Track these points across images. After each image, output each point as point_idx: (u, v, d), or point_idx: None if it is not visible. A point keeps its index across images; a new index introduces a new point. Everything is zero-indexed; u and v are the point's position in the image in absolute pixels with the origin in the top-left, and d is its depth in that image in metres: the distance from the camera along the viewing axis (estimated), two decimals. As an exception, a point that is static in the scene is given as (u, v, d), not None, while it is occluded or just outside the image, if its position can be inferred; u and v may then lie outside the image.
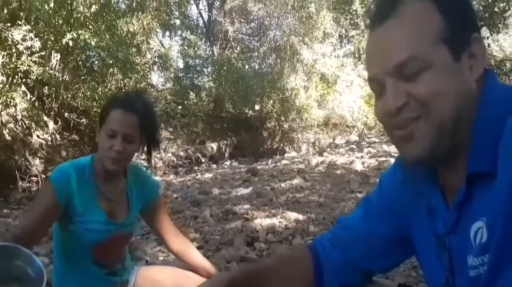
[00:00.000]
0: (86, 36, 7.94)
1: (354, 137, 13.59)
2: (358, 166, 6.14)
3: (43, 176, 7.17)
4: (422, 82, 0.65)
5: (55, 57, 8.54)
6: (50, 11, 7.77)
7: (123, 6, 10.82)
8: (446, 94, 0.65)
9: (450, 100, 0.66)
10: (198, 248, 2.66)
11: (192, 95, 12.75)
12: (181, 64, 14.21)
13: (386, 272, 0.95)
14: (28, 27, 7.16)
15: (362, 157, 7.40)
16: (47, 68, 7.95)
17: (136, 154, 1.54)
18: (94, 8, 8.39)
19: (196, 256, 1.69)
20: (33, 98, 7.89)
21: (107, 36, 9.01)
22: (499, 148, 0.62)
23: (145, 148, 1.55)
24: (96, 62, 10.19)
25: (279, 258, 1.06)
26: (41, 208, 1.33)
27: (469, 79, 0.67)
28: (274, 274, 0.91)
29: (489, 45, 14.02)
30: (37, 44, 7.14)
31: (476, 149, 0.66)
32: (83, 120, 9.10)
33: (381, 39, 0.70)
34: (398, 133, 0.70)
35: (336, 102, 14.98)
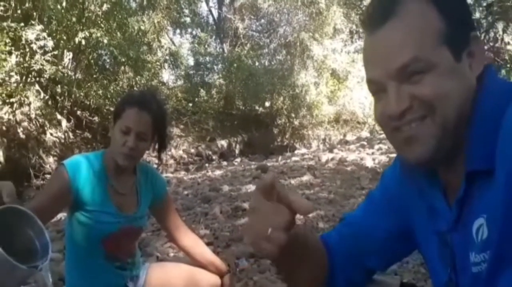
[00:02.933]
0: (98, 35, 8.04)
1: (365, 133, 13.52)
2: (369, 163, 6.10)
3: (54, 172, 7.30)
4: (426, 83, 0.65)
5: (68, 56, 8.66)
6: (63, 11, 7.88)
7: (134, 5, 10.90)
8: (450, 95, 0.65)
9: (453, 101, 0.66)
10: (208, 244, 2.70)
11: (202, 92, 12.80)
12: (191, 62, 14.28)
13: (386, 268, 0.96)
14: (41, 26, 7.27)
15: (373, 153, 7.35)
16: (60, 67, 8.06)
17: (147, 151, 1.58)
18: (105, 6, 8.47)
19: (205, 252, 1.72)
20: (47, 97, 8.03)
21: (119, 35, 9.11)
22: (496, 144, 0.63)
23: (156, 146, 1.59)
24: (108, 60, 10.31)
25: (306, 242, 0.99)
26: (53, 191, 1.36)
27: (470, 77, 0.68)
28: (310, 250, 0.85)
29: (503, 40, 13.78)
30: (50, 43, 7.24)
31: (474, 146, 0.67)
32: (96, 118, 9.21)
33: (381, 41, 0.68)
34: (400, 136, 0.69)
35: (347, 98, 14.92)
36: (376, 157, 6.70)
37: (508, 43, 14.43)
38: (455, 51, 0.66)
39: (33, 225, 0.97)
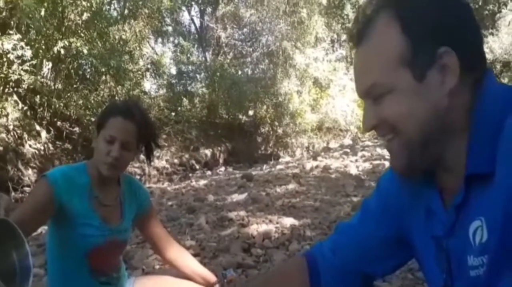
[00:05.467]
0: (78, 44, 7.91)
1: (347, 141, 13.66)
2: (353, 170, 6.15)
3: (35, 184, 7.09)
4: (385, 105, 0.70)
5: (47, 66, 8.49)
6: (41, 20, 7.74)
7: (115, 14, 10.80)
8: (409, 116, 0.68)
9: (415, 120, 0.68)
10: (195, 255, 2.64)
11: (185, 101, 12.73)
12: (174, 71, 14.19)
13: (386, 275, 0.96)
14: (19, 36, 7.11)
15: (356, 160, 7.42)
16: (38, 77, 7.90)
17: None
18: (85, 15, 8.36)
19: (192, 264, 1.69)
20: (25, 108, 7.83)
21: (99, 44, 8.98)
22: (498, 149, 0.63)
23: (142, 156, 1.57)
24: (88, 70, 10.14)
25: (273, 274, 1.08)
26: (35, 204, 1.30)
27: (439, 94, 0.67)
28: None
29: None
30: (28, 53, 7.09)
31: (474, 151, 0.67)
32: (76, 129, 9.04)
33: (354, 65, 0.76)
34: (385, 146, 0.76)
35: (329, 106, 15.08)
36: (360, 164, 6.76)
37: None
38: (418, 71, 0.68)
39: (18, 246, 0.89)
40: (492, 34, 14.48)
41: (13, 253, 0.88)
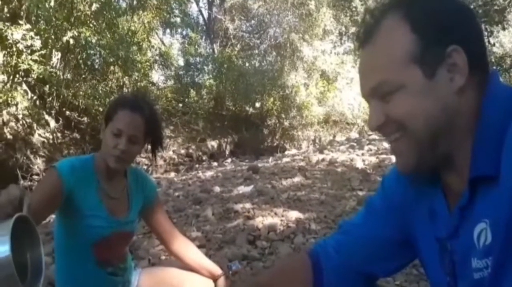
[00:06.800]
0: (87, 35, 7.94)
1: (354, 134, 13.58)
2: (359, 163, 6.12)
3: (44, 174, 7.17)
4: (395, 103, 0.70)
5: (56, 56, 8.54)
6: (51, 10, 7.77)
7: (124, 5, 10.79)
8: (419, 113, 0.68)
9: (423, 118, 0.68)
10: (200, 246, 2.68)
11: (192, 93, 12.74)
12: (181, 62, 14.19)
13: (390, 275, 0.96)
14: (28, 26, 7.15)
15: (362, 154, 7.39)
16: (48, 66, 7.94)
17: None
18: (94, 6, 8.37)
19: (197, 256, 1.70)
20: (34, 97, 7.91)
21: (108, 35, 9.00)
22: (502, 151, 0.63)
23: (149, 148, 1.58)
24: (97, 60, 10.18)
25: (277, 270, 1.07)
26: (44, 195, 1.33)
27: (448, 92, 0.68)
28: None
29: (489, 42, 14.02)
30: (38, 43, 7.13)
31: (479, 152, 0.67)
32: (84, 118, 9.11)
33: (360, 64, 0.76)
34: (390, 147, 0.75)
35: (337, 99, 14.99)
36: (366, 158, 6.73)
37: (494, 45, 14.68)
38: (427, 69, 0.68)
39: (33, 246, 0.90)
40: (504, 29, 14.27)
41: (27, 251, 0.89)
